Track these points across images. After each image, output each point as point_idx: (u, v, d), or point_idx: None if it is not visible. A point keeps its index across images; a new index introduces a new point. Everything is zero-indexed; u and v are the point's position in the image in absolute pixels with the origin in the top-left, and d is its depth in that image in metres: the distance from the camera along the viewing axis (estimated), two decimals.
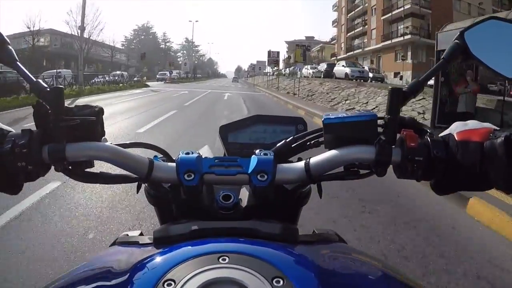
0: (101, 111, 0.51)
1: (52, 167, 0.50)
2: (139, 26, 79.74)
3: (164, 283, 0.35)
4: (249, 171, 0.49)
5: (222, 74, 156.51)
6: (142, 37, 79.49)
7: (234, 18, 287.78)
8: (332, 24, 52.90)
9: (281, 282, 0.35)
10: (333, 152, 0.51)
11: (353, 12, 42.82)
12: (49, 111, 0.47)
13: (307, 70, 29.64)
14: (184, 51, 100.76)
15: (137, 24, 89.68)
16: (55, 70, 24.20)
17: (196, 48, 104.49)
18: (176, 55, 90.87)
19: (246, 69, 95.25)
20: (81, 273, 0.44)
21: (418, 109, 8.92)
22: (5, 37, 0.52)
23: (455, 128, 0.49)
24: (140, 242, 0.50)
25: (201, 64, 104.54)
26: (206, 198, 0.55)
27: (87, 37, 37.52)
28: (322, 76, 25.20)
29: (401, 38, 31.78)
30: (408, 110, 8.64)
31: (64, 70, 27.97)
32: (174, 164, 0.49)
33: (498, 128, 0.47)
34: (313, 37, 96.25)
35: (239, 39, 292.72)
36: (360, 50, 40.37)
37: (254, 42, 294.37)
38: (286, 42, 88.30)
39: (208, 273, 0.35)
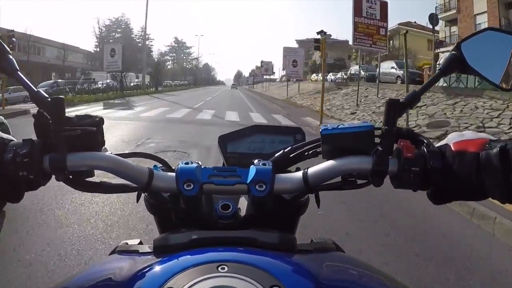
0: (101, 121, 0.53)
1: (53, 176, 0.51)
2: (112, 21, 63.10)
3: None
4: (248, 181, 0.50)
5: (220, 81, 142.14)
6: (119, 35, 62.94)
7: (232, 24, 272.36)
8: None
9: None
10: (331, 163, 0.52)
11: None
12: (50, 121, 0.49)
13: None
14: (174, 54, 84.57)
15: (109, 18, 67.72)
16: None
17: (188, 50, 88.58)
18: (164, 58, 73.57)
19: (248, 75, 79.88)
20: (81, 282, 0.45)
21: None
22: (6, 47, 0.53)
23: (452, 139, 0.51)
24: (140, 251, 0.51)
25: (195, 70, 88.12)
26: (205, 208, 0.56)
27: None
28: None
29: None
30: None
31: None
32: (173, 174, 0.51)
33: (494, 139, 0.49)
34: (330, 35, 77.48)
35: (238, 44, 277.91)
36: None
37: (255, 47, 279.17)
38: (297, 41, 70.68)
39: (207, 281, 0.37)
